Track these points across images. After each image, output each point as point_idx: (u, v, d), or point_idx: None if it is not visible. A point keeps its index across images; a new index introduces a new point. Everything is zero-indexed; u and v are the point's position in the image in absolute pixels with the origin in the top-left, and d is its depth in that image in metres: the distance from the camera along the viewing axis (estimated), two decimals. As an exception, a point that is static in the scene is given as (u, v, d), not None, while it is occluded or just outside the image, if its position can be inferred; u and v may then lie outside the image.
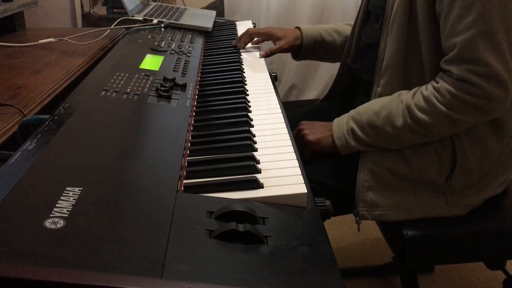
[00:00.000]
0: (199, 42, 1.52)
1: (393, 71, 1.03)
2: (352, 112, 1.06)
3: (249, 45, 1.50)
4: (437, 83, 0.97)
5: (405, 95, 1.00)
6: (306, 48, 1.41)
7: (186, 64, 1.25)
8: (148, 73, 1.12)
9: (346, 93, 1.33)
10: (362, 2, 1.25)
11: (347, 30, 1.39)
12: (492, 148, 1.04)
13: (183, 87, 1.06)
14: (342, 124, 1.06)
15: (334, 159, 1.09)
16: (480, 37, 0.90)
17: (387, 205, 1.03)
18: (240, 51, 1.46)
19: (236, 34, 1.64)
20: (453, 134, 1.01)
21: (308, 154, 1.11)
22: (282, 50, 1.41)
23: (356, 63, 1.25)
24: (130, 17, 1.62)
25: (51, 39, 1.50)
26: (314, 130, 1.10)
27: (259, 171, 0.74)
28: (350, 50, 1.28)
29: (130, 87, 1.02)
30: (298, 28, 1.42)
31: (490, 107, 0.94)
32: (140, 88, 1.02)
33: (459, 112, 0.95)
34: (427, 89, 0.98)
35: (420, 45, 1.00)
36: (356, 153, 1.06)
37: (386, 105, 1.01)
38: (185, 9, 1.89)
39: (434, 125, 0.97)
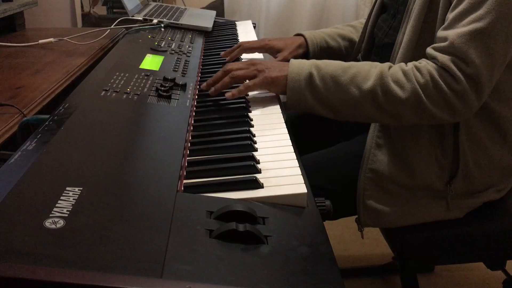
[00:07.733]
0: (199, 42, 1.52)
1: (403, 59, 0.97)
2: (319, 60, 0.97)
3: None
4: (420, 63, 0.92)
5: (380, 64, 0.94)
6: (313, 57, 1.26)
7: (186, 64, 1.25)
8: (148, 73, 1.12)
9: None
10: None
11: (350, 32, 1.32)
12: (494, 154, 1.02)
13: (183, 87, 1.06)
14: (303, 67, 0.95)
15: (335, 163, 1.07)
16: (476, 35, 0.85)
17: (388, 212, 1.02)
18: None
19: (236, 34, 1.64)
20: (455, 140, 0.98)
21: (244, 91, 1.00)
22: None
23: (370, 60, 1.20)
24: (130, 17, 1.62)
25: (51, 39, 1.50)
26: (270, 67, 0.99)
27: (259, 171, 0.74)
28: (362, 44, 1.23)
29: (130, 87, 1.02)
30: (299, 34, 1.30)
31: (459, 109, 0.89)
32: (140, 88, 1.02)
33: (430, 99, 0.89)
34: (407, 65, 0.92)
35: (435, 37, 0.95)
36: (355, 159, 1.04)
37: (357, 65, 0.95)
38: (185, 9, 1.89)
39: (400, 102, 0.90)
